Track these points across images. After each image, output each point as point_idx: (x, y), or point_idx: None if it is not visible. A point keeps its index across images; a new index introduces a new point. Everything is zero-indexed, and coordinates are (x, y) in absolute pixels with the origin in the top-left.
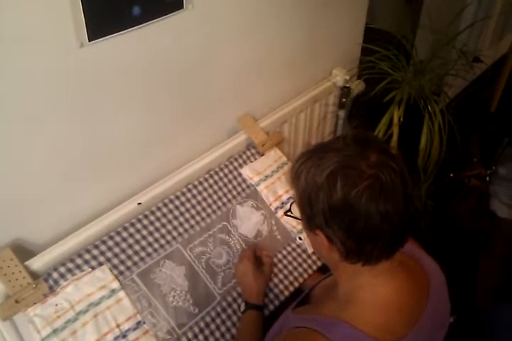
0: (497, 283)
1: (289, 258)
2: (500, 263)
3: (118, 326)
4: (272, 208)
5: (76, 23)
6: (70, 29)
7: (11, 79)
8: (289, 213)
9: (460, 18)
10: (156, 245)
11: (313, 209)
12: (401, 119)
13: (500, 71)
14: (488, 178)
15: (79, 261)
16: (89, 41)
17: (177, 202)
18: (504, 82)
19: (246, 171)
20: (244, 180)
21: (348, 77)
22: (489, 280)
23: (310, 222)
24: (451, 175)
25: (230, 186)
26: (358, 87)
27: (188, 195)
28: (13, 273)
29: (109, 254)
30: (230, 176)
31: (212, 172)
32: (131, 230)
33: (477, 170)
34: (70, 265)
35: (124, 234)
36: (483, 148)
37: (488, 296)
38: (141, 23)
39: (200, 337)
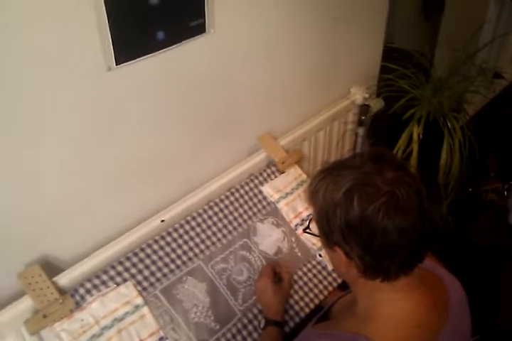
0: None
1: (309, 275)
2: None
3: None
4: (292, 225)
5: (104, 48)
6: (98, 54)
7: (42, 101)
8: (307, 230)
9: (479, 35)
10: (178, 262)
11: (331, 226)
12: (420, 136)
13: None
14: (505, 193)
15: (104, 277)
16: (116, 65)
17: (199, 219)
18: None
19: (266, 188)
20: (264, 198)
21: (367, 95)
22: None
23: (328, 238)
24: (470, 189)
25: (250, 203)
26: (376, 104)
27: (210, 212)
28: (41, 288)
29: (133, 271)
30: (251, 193)
31: (233, 190)
32: (155, 247)
33: (494, 184)
34: (96, 281)
35: (148, 251)
36: (501, 163)
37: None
38: (165, 47)
39: None
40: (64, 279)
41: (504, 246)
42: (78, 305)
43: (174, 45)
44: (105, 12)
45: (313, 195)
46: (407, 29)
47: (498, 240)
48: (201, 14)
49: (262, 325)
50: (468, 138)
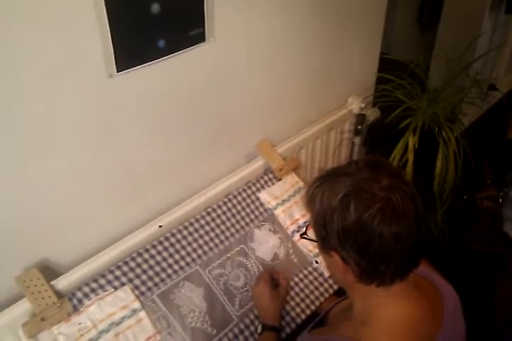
0: None
1: (306, 281)
2: None
3: None
4: (289, 232)
5: (106, 56)
6: (100, 61)
7: (44, 108)
8: (305, 235)
9: (474, 47)
10: (176, 267)
11: (328, 231)
12: (416, 146)
13: None
14: (500, 200)
15: (102, 281)
16: (117, 72)
17: (197, 225)
18: None
19: (264, 195)
20: (261, 204)
21: (363, 105)
22: (507, 304)
23: (325, 243)
24: (465, 197)
25: (247, 210)
26: (373, 114)
27: (208, 218)
28: (39, 292)
29: (131, 275)
30: (248, 200)
31: (230, 197)
32: (153, 252)
33: (489, 191)
34: (94, 285)
35: (146, 256)
36: (496, 171)
37: (507, 320)
38: (166, 55)
39: None
40: (62, 283)
41: (498, 252)
42: (76, 309)
43: (174, 54)
44: (107, 19)
45: (310, 201)
46: (403, 40)
47: (492, 246)
48: (201, 23)
49: (258, 331)
50: (463, 148)
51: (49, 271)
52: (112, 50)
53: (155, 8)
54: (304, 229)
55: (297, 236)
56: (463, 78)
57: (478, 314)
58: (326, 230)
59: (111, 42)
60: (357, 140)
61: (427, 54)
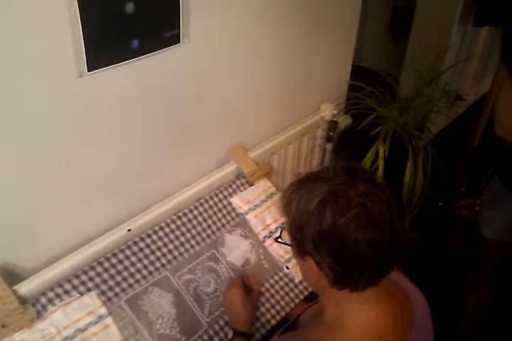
0: (482, 312)
1: (276, 287)
2: (486, 286)
3: None
4: (261, 237)
5: (76, 54)
6: (70, 59)
7: (9, 106)
8: (279, 239)
9: (443, 58)
10: (144, 272)
11: (304, 235)
12: (386, 153)
13: (481, 109)
14: (477, 208)
15: (67, 286)
16: (88, 71)
17: (167, 230)
18: (486, 120)
19: (236, 200)
20: (233, 209)
21: (335, 112)
22: (476, 307)
23: (300, 247)
24: (440, 203)
25: (219, 214)
26: (345, 121)
27: (178, 223)
28: (0, 297)
29: (97, 280)
30: (220, 205)
31: (202, 201)
32: (121, 256)
33: (466, 200)
34: (59, 290)
35: (114, 260)
36: (470, 177)
37: (475, 324)
38: (139, 56)
39: None
40: (25, 288)
41: (473, 256)
42: (39, 315)
43: (148, 54)
44: (79, 17)
45: (286, 205)
46: (374, 49)
47: (468, 250)
48: (176, 25)
49: (229, 337)
50: (431, 157)
51: (11, 275)
52: (84, 48)
53: (129, 7)
54: (279, 232)
55: (268, 241)
56: (432, 88)
57: (446, 318)
58: (302, 234)
59: (83, 40)
60: (328, 146)
61: (397, 63)
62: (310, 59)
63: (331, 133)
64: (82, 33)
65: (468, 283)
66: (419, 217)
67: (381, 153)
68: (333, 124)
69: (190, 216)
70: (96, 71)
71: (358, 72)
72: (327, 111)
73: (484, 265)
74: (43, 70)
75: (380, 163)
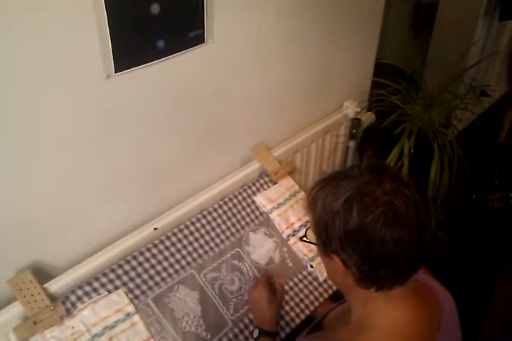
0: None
1: (300, 285)
2: None
3: None
4: (284, 236)
5: (104, 56)
6: (98, 61)
7: (41, 108)
8: (304, 238)
9: (467, 53)
10: (170, 270)
11: (329, 234)
12: (411, 151)
13: (507, 104)
14: (511, 201)
15: (96, 284)
16: (115, 73)
17: (192, 228)
18: (511, 116)
19: (259, 199)
20: (257, 208)
21: (358, 109)
22: (505, 305)
23: (326, 246)
24: (474, 196)
25: (243, 213)
26: (368, 118)
27: (203, 222)
28: (32, 295)
29: (125, 278)
30: (244, 203)
31: (226, 200)
32: (147, 255)
33: (499, 193)
34: (87, 288)
35: (140, 259)
36: (504, 170)
37: (499, 325)
38: (164, 56)
39: None
40: (55, 286)
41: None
42: (69, 313)
43: (173, 55)
44: (106, 19)
45: (311, 204)
46: (396, 45)
47: (504, 247)
48: (200, 25)
49: (255, 335)
50: (457, 153)
51: (42, 274)
52: (111, 50)
53: (155, 8)
54: (302, 233)
55: (292, 240)
56: (458, 84)
57: (472, 319)
58: (328, 233)
59: (110, 42)
60: (352, 144)
61: (420, 59)
62: (332, 56)
63: (354, 131)
64: (109, 35)
65: (499, 280)
66: (450, 214)
67: (406, 151)
68: (356, 122)
69: (214, 214)
70: (123, 72)
71: (380, 68)
72: (350, 109)
73: None
74: (70, 72)
75: (405, 160)
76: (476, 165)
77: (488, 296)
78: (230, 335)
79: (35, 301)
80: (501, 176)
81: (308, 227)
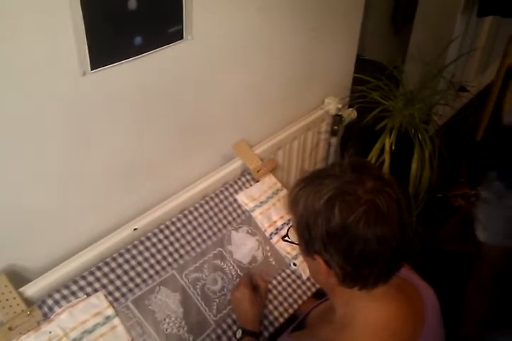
0: (485, 315)
1: (284, 284)
2: (487, 293)
3: None
4: (267, 234)
5: (79, 53)
6: (73, 58)
7: (13, 107)
8: (286, 238)
9: (447, 50)
10: (151, 271)
11: (312, 234)
12: (392, 147)
13: (485, 100)
14: (472, 199)
15: (74, 287)
16: (91, 70)
17: (172, 228)
18: (490, 111)
19: (241, 197)
20: (239, 206)
21: (340, 106)
22: (477, 313)
23: (308, 246)
24: (440, 195)
25: (225, 212)
26: (350, 115)
27: (184, 221)
28: (7, 299)
29: (104, 281)
30: (226, 202)
31: (207, 198)
32: (127, 256)
33: (463, 189)
34: (65, 291)
35: (120, 260)
36: (472, 171)
37: (476, 327)
38: (142, 53)
39: None
40: (31, 290)
41: (470, 253)
42: (46, 317)
43: (151, 51)
44: (81, 15)
45: (293, 204)
46: (375, 41)
47: (463, 247)
48: (179, 20)
49: (238, 336)
50: (438, 149)
51: (17, 277)
52: (87, 46)
53: (132, 3)
54: (284, 231)
55: (275, 238)
56: (438, 80)
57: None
58: (310, 233)
59: (85, 38)
60: (333, 141)
61: (400, 55)
62: (313, 52)
63: (336, 128)
64: (85, 31)
65: (468, 289)
66: (423, 210)
67: (387, 147)
68: (337, 118)
69: (195, 214)
70: (99, 69)
71: (361, 65)
72: (331, 105)
73: (482, 271)
74: (46, 70)
75: (386, 156)
76: (455, 160)
77: (458, 295)
78: (213, 336)
79: (11, 306)
80: (468, 175)
81: (290, 227)
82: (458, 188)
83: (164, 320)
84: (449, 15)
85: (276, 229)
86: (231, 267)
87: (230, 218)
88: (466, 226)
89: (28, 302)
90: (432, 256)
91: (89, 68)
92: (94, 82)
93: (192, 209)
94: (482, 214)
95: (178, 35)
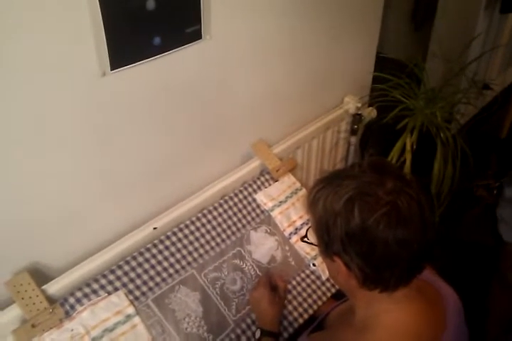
0: (510, 316)
1: (303, 284)
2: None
3: None
4: (286, 234)
5: (99, 54)
6: (93, 59)
7: (39, 107)
8: (305, 239)
9: (469, 47)
10: (171, 270)
11: (331, 236)
12: (414, 146)
13: (509, 98)
14: (495, 191)
15: (95, 285)
16: (111, 70)
17: (192, 228)
18: None
19: (260, 197)
20: (258, 206)
21: (359, 105)
22: (502, 312)
23: (327, 248)
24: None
25: (244, 212)
26: (370, 114)
27: (203, 221)
28: (30, 297)
29: (124, 279)
30: (245, 202)
31: (226, 198)
32: (147, 255)
33: (487, 181)
34: (87, 290)
35: (140, 259)
36: (501, 167)
37: (499, 327)
38: (161, 53)
39: None
40: (54, 288)
41: (488, 246)
42: (68, 315)
43: (170, 51)
44: (101, 16)
45: (312, 205)
46: (396, 39)
47: (483, 238)
48: (197, 20)
49: (257, 336)
50: (460, 148)
51: (40, 275)
52: (106, 47)
53: (150, 4)
54: (303, 232)
55: (294, 238)
56: (460, 78)
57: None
58: (329, 235)
59: (105, 39)
60: (353, 140)
61: (420, 53)
62: (332, 51)
63: (356, 127)
64: (104, 32)
65: (493, 289)
66: (447, 209)
67: (408, 146)
68: (357, 117)
69: (215, 213)
70: (119, 70)
71: (381, 63)
72: (351, 104)
73: (508, 272)
74: (66, 71)
75: (408, 156)
76: (478, 159)
77: (486, 293)
78: (232, 336)
79: (34, 303)
80: (497, 169)
81: (310, 227)
82: (483, 179)
83: (184, 319)
84: (472, 11)
85: (296, 228)
86: (250, 267)
87: (249, 218)
88: (487, 216)
89: (51, 300)
90: (455, 250)
91: (109, 69)
92: (114, 82)
93: (211, 208)
94: (506, 214)
95: (197, 35)
